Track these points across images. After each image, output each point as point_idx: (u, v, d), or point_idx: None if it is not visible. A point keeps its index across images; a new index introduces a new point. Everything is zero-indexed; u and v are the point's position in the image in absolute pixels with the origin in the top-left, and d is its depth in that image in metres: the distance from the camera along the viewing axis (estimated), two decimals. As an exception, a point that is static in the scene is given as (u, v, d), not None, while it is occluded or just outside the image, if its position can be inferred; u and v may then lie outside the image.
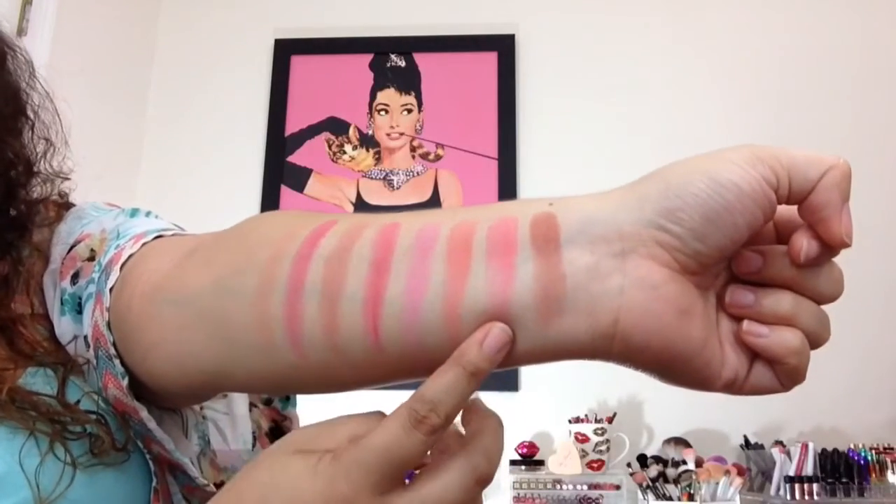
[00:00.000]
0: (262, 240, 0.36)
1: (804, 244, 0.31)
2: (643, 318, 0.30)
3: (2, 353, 0.43)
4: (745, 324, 0.32)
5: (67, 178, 0.54)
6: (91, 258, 0.45)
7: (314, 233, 0.34)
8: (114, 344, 0.40)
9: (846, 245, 0.31)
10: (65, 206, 0.53)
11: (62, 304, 0.45)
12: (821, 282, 0.32)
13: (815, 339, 0.32)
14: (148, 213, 0.50)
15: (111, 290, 0.40)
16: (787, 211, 0.32)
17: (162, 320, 0.37)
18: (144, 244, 0.43)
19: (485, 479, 0.32)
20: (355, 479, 0.31)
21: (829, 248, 0.31)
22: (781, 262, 0.32)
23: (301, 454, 0.33)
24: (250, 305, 0.34)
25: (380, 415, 0.34)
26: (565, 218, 0.32)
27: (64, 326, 0.44)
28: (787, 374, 0.32)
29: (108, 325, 0.40)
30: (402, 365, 0.33)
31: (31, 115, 0.51)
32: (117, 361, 0.39)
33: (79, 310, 0.44)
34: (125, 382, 0.39)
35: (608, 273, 0.31)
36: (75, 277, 0.45)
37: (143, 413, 0.40)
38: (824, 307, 0.33)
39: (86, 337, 0.42)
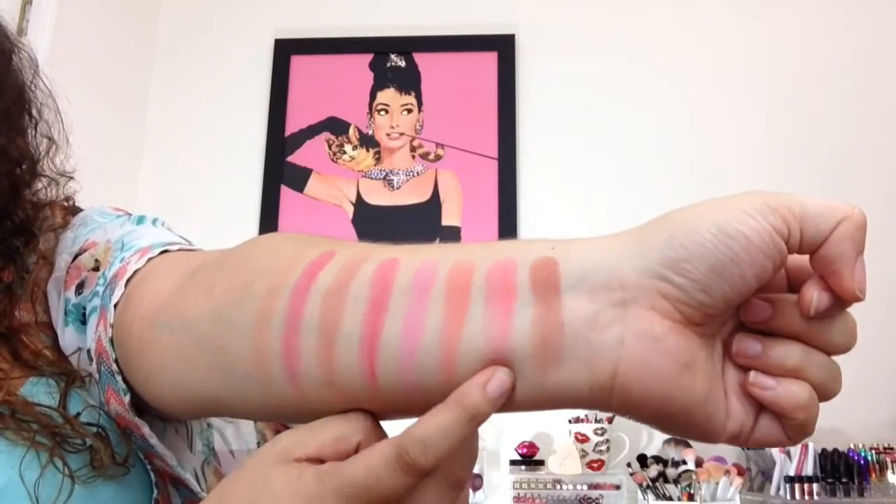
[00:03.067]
0: (262, 268, 0.35)
1: (814, 297, 0.30)
2: (643, 371, 0.29)
3: (4, 361, 0.43)
4: (752, 375, 0.31)
5: (71, 178, 0.53)
6: (96, 268, 0.44)
7: (312, 265, 0.34)
8: (116, 360, 0.39)
9: (859, 299, 0.30)
10: (71, 210, 0.52)
11: (66, 314, 0.44)
12: (833, 334, 0.31)
13: (825, 392, 0.31)
14: (154, 221, 0.50)
15: (115, 305, 0.40)
16: (800, 258, 0.31)
17: (162, 346, 0.37)
18: (150, 259, 0.42)
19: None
20: None
21: (841, 300, 0.30)
22: (791, 313, 0.31)
23: (283, 464, 0.32)
24: (248, 337, 0.34)
25: (363, 415, 0.33)
26: (567, 264, 0.31)
27: (68, 337, 0.44)
28: (794, 429, 0.31)
29: (112, 341, 0.40)
30: (399, 403, 0.32)
31: (35, 114, 0.51)
32: (119, 378, 0.39)
33: (83, 320, 0.43)
34: (127, 399, 0.39)
35: (608, 323, 0.30)
36: (80, 287, 0.44)
37: (145, 429, 0.40)
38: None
39: (89, 350, 0.41)
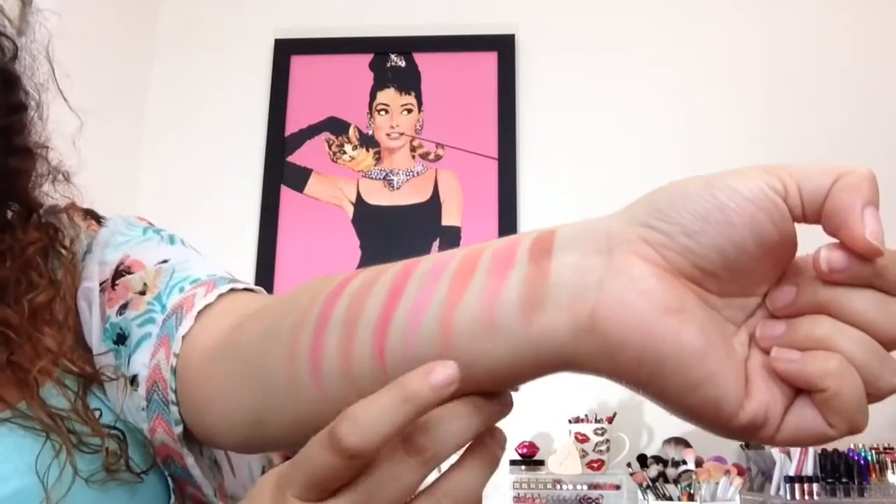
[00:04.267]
0: (307, 289, 0.37)
1: (824, 251, 0.27)
2: (618, 308, 0.28)
3: (28, 361, 0.43)
4: (774, 350, 0.28)
5: (67, 179, 0.53)
6: (142, 292, 0.45)
7: (347, 278, 0.36)
8: (175, 391, 0.40)
9: (873, 249, 0.26)
10: (91, 215, 0.53)
11: (102, 331, 0.45)
12: (866, 306, 0.27)
13: (868, 374, 0.27)
14: (183, 241, 0.51)
15: (184, 337, 0.41)
16: None
17: (216, 376, 0.39)
18: (220, 296, 0.43)
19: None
20: (281, 490, 0.31)
21: (858, 256, 0.27)
22: (814, 285, 0.28)
23: (276, 485, 0.32)
24: (285, 345, 0.35)
25: None
26: (562, 232, 0.32)
27: (100, 351, 0.45)
28: (832, 409, 0.27)
29: (173, 370, 0.40)
30: None
31: (33, 102, 0.51)
32: (175, 409, 0.40)
33: (116, 340, 0.44)
34: (178, 430, 0.40)
35: (590, 268, 0.30)
36: (123, 309, 0.45)
37: (190, 460, 0.40)
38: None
39: (135, 376, 0.41)
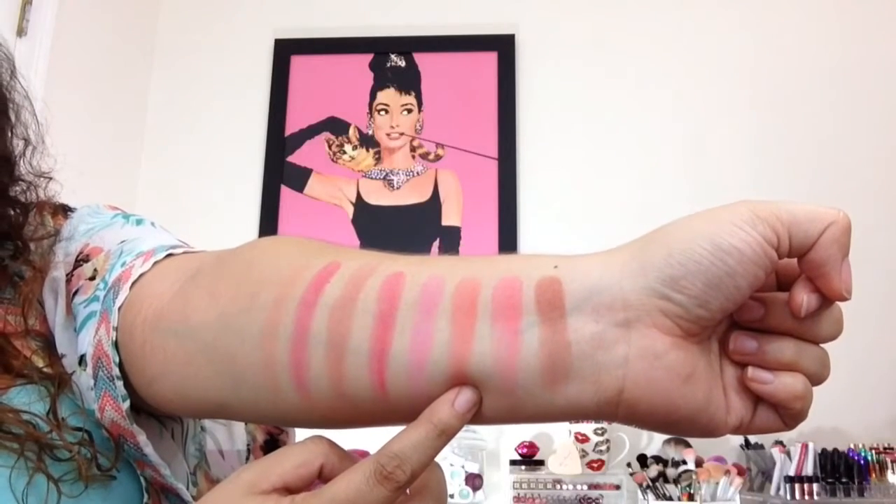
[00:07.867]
0: (266, 277, 0.36)
1: (804, 299, 0.31)
2: (647, 387, 0.31)
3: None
4: (750, 371, 0.32)
5: (50, 178, 0.51)
6: (92, 277, 0.44)
7: (318, 278, 0.35)
8: (119, 364, 0.39)
9: (846, 299, 0.31)
10: (60, 209, 0.51)
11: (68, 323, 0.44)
12: (822, 326, 0.32)
13: (817, 380, 0.33)
14: (153, 224, 0.49)
15: (120, 308, 0.40)
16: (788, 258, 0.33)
17: (166, 351, 0.37)
18: (156, 263, 0.42)
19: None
20: None
21: (829, 300, 0.32)
22: (783, 312, 0.32)
23: (255, 497, 0.33)
24: (256, 348, 0.34)
25: (319, 440, 0.35)
26: (570, 285, 0.32)
27: (62, 341, 0.44)
28: (790, 416, 0.33)
29: (115, 344, 0.39)
30: (407, 412, 0.33)
31: (12, 116, 0.50)
32: (120, 384, 0.39)
33: (74, 328, 0.42)
34: (126, 406, 0.39)
35: (613, 342, 0.31)
36: (75, 295, 0.44)
37: (141, 438, 0.39)
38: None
39: (83, 356, 0.40)
